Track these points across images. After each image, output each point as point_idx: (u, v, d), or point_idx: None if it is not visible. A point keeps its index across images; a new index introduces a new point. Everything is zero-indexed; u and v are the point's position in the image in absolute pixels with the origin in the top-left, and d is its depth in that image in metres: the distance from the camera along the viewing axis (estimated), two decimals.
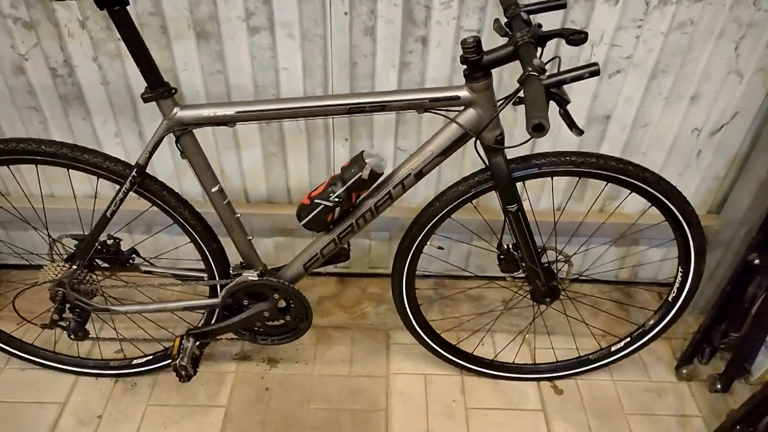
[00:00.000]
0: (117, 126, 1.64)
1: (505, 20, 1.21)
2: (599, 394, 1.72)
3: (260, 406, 1.67)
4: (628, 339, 1.66)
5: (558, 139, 1.65)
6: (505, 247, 1.49)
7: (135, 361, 1.69)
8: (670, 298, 1.55)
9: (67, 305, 1.45)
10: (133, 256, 1.52)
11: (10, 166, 1.42)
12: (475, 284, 2.01)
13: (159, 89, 1.19)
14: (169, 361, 1.62)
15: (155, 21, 1.44)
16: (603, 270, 1.93)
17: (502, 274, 1.52)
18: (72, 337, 1.48)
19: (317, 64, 1.52)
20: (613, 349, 1.68)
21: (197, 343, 1.51)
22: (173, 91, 1.21)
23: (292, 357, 1.81)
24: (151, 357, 1.69)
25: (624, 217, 1.76)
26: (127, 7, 1.11)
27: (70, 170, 1.31)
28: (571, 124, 1.06)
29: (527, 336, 1.86)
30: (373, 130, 1.65)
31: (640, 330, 1.63)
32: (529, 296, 1.52)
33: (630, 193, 1.37)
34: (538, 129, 0.88)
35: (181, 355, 1.45)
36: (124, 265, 1.51)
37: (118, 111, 1.61)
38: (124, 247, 1.48)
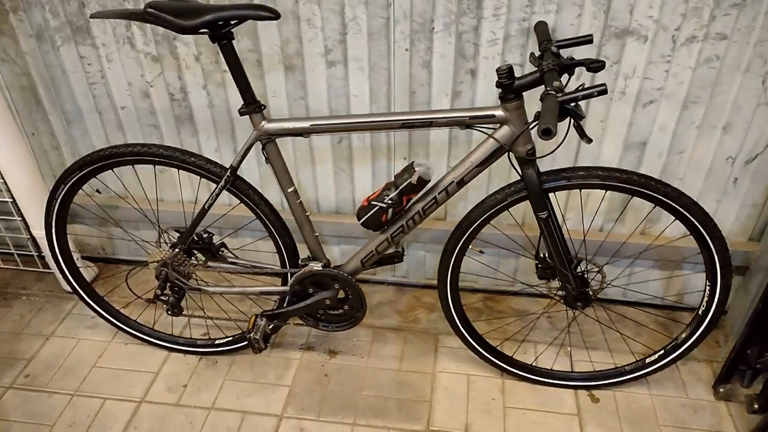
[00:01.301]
0: (217, 142, 1.99)
1: (539, 54, 1.43)
2: (635, 405, 1.80)
3: (319, 388, 1.89)
4: (662, 352, 1.74)
5: (598, 160, 1.81)
6: (542, 255, 1.66)
7: (217, 341, 1.97)
8: (700, 312, 1.64)
9: (168, 284, 1.76)
10: (222, 249, 1.83)
11: (135, 166, 1.77)
12: (518, 295, 2.16)
13: (252, 105, 1.50)
14: (246, 342, 1.90)
15: (253, 56, 1.78)
16: (644, 292, 2.03)
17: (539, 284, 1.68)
18: (169, 311, 1.78)
19: (382, 92, 1.79)
20: (647, 361, 1.77)
21: (269, 323, 1.77)
22: (263, 107, 1.51)
23: (349, 350, 2.03)
24: (231, 338, 1.96)
25: (664, 239, 1.88)
26: (233, 42, 1.43)
27: (180, 170, 1.64)
28: (582, 134, 1.25)
29: (564, 345, 1.97)
30: (429, 150, 1.90)
31: (673, 343, 1.72)
32: (563, 302, 1.67)
33: (654, 207, 1.51)
34: (546, 132, 1.09)
35: (255, 330, 1.71)
36: (214, 255, 1.82)
37: (219, 130, 1.96)
38: (214, 241, 1.79)
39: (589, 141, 1.25)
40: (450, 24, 1.63)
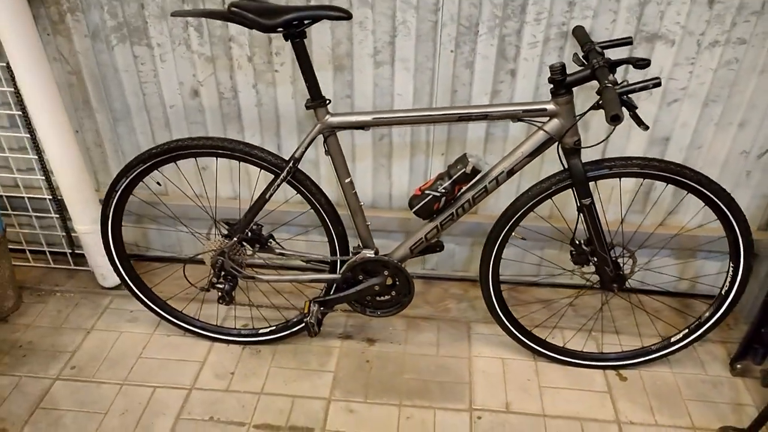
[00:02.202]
0: (262, 139, 2.07)
1: (582, 54, 1.57)
2: (660, 382, 1.94)
3: (362, 373, 1.98)
4: (686, 330, 1.89)
5: (624, 154, 1.95)
6: (577, 242, 1.79)
7: (261, 330, 2.04)
8: (723, 292, 1.79)
9: (222, 272, 1.83)
10: (271, 240, 1.91)
11: (197, 159, 1.85)
12: (540, 285, 2.29)
13: (318, 100, 1.60)
14: (288, 332, 1.98)
15: None
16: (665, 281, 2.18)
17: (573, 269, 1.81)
18: (221, 299, 1.85)
19: (425, 91, 1.91)
20: (672, 339, 1.91)
21: (320, 309, 1.85)
22: (328, 102, 1.62)
23: (386, 338, 2.12)
24: (274, 328, 2.03)
25: (683, 228, 2.03)
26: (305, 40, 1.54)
27: (241, 162, 1.73)
28: (639, 122, 1.39)
29: (593, 328, 2.10)
30: (466, 146, 2.02)
31: (697, 322, 1.87)
32: (598, 286, 1.80)
33: (686, 194, 1.66)
34: (615, 119, 1.23)
35: (310, 315, 1.79)
36: (263, 246, 1.89)
37: (264, 127, 2.04)
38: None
39: (646, 128, 1.39)
40: (494, 27, 1.76)
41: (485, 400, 1.88)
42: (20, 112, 2.01)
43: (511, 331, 1.96)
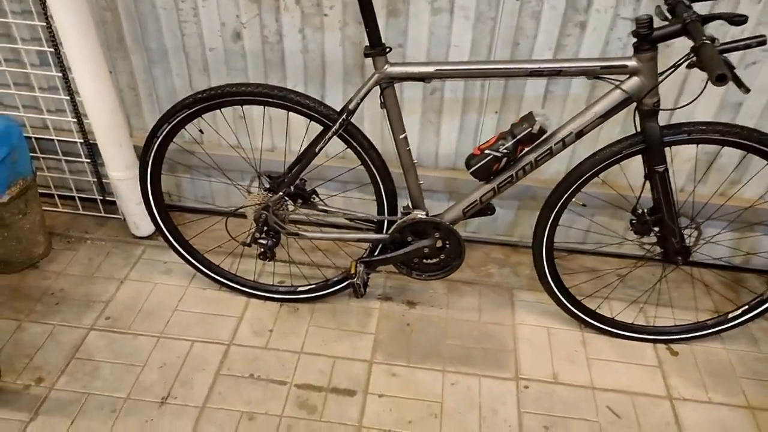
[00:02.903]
0: (305, 89, 1.95)
1: (667, 7, 1.44)
2: (713, 358, 1.88)
3: (403, 336, 1.92)
4: (746, 307, 1.81)
5: (691, 119, 1.83)
6: (640, 211, 1.69)
7: (300, 288, 1.98)
8: None
9: (265, 228, 1.75)
10: (313, 195, 1.82)
11: (243, 106, 1.74)
12: (586, 253, 2.21)
13: (378, 47, 1.48)
14: (329, 290, 1.92)
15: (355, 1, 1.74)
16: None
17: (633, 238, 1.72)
18: (262, 255, 1.78)
19: (484, 43, 1.78)
20: (730, 315, 1.83)
21: (366, 270, 1.78)
22: (388, 50, 1.49)
23: (427, 302, 2.05)
24: (313, 286, 1.97)
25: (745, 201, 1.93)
26: None
27: (290, 112, 1.62)
28: (740, 84, 1.27)
29: (645, 300, 2.03)
30: (522, 105, 1.90)
31: (759, 299, 1.79)
32: (660, 256, 1.71)
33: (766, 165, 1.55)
34: (721, 79, 1.11)
35: (357, 276, 1.72)
36: (306, 201, 1.81)
37: (309, 76, 1.93)
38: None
39: (747, 90, 1.27)
40: None
41: (531, 369, 1.83)
42: (52, 49, 1.90)
43: (560, 299, 1.88)
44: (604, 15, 1.68)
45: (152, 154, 1.72)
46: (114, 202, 2.25)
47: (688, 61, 1.31)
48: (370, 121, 2.00)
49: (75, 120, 2.07)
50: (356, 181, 2.05)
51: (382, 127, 2.01)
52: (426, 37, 1.79)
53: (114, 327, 1.90)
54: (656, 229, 1.69)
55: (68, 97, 2.01)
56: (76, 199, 2.32)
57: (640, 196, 1.67)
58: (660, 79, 1.42)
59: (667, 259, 1.70)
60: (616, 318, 1.94)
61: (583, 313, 1.90)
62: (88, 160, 2.17)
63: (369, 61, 1.75)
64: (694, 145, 1.79)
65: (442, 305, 2.04)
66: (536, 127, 1.50)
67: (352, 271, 1.74)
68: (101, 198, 2.29)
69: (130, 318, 1.93)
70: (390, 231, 1.75)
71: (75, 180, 2.27)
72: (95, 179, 2.23)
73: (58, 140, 2.14)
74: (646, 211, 1.68)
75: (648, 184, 1.62)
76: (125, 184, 2.03)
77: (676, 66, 1.38)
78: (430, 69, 1.49)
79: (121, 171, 2.00)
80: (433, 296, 2.08)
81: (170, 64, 1.96)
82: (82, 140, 2.11)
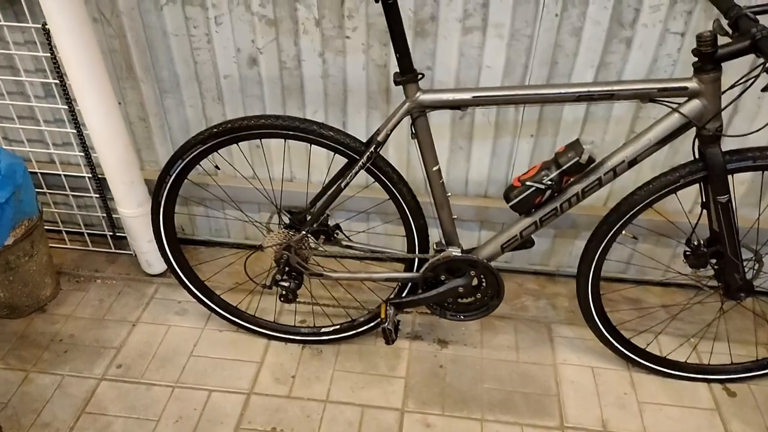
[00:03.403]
0: (326, 116, 1.83)
1: (727, 21, 1.30)
2: None
3: (436, 380, 1.77)
4: None
5: (745, 142, 1.69)
6: (695, 243, 1.54)
7: (323, 329, 1.84)
8: None
9: (287, 268, 1.62)
10: (337, 231, 1.69)
11: (262, 140, 1.62)
12: (626, 282, 2.05)
13: (409, 74, 1.35)
14: (355, 331, 1.78)
15: (381, 21, 1.62)
16: None
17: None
18: (283, 297, 1.65)
19: (519, 62, 1.65)
20: None
21: (396, 312, 1.64)
22: (420, 76, 1.37)
23: (460, 340, 1.91)
24: (338, 327, 1.83)
25: None
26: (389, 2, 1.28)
27: (312, 145, 1.50)
28: None
29: (696, 336, 1.87)
30: (560, 127, 1.76)
31: None
32: (719, 291, 1.56)
33: None
34: None
35: (387, 320, 1.58)
36: (329, 238, 1.68)
37: (329, 102, 1.80)
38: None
39: None
40: None
41: (578, 416, 1.67)
42: (57, 81, 1.79)
43: (606, 337, 1.73)
44: (652, 30, 1.54)
45: (165, 194, 1.60)
46: (125, 237, 2.13)
47: (758, 80, 1.16)
48: (395, 147, 1.87)
49: (83, 154, 1.95)
50: (381, 212, 1.92)
51: (408, 153, 1.88)
52: (456, 59, 1.67)
53: (126, 376, 1.77)
54: (713, 261, 1.54)
55: (75, 130, 1.90)
56: (85, 234, 2.21)
57: (695, 227, 1.53)
58: (728, 103, 1.27)
59: (728, 295, 1.54)
60: (667, 357, 1.78)
61: (631, 352, 1.75)
62: (97, 195, 2.06)
63: (394, 84, 1.63)
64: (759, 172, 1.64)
65: (476, 344, 1.90)
66: (585, 157, 1.36)
67: (382, 315, 1.60)
68: (111, 234, 2.18)
69: (143, 365, 1.80)
70: (422, 270, 1.61)
71: (83, 215, 2.16)
72: (104, 214, 2.12)
73: (65, 175, 2.03)
74: (702, 242, 1.53)
75: (705, 213, 1.48)
76: (137, 221, 1.91)
77: (745, 87, 1.24)
78: (467, 96, 1.36)
79: (133, 208, 1.88)
80: (466, 334, 1.93)
81: (182, 94, 1.85)
82: (90, 174, 2.00)
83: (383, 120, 1.77)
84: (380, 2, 1.27)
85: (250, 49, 1.73)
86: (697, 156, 1.39)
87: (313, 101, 1.81)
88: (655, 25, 1.53)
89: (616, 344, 1.73)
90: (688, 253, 1.57)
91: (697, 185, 1.45)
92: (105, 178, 1.86)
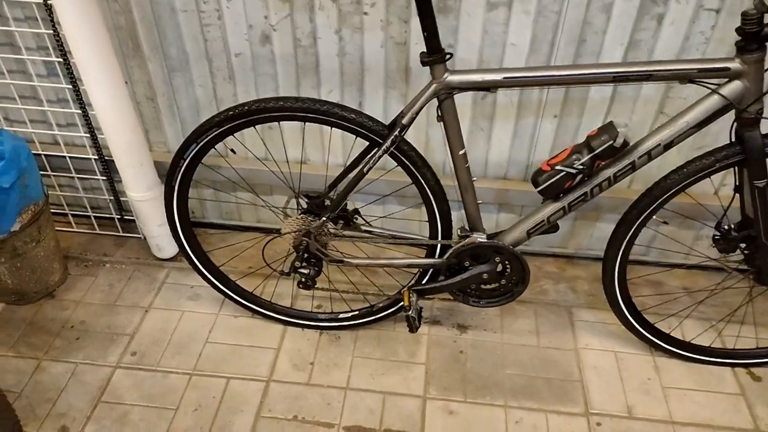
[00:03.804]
0: (341, 96, 1.76)
1: None
2: None
3: (457, 366, 1.75)
4: None
5: None
6: (725, 227, 1.50)
7: (341, 315, 1.81)
8: None
9: (306, 254, 1.58)
10: (356, 216, 1.64)
11: (281, 122, 1.56)
12: (647, 264, 2.02)
13: (437, 54, 1.28)
14: (374, 317, 1.75)
15: None
16: None
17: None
18: (301, 284, 1.61)
19: (546, 39, 1.58)
20: None
21: (419, 298, 1.60)
22: (448, 57, 1.30)
23: (480, 325, 1.88)
24: (356, 312, 1.80)
25: None
26: None
27: (333, 128, 1.43)
28: None
29: (727, 320, 1.85)
30: (585, 107, 1.70)
31: None
32: (748, 276, 1.53)
33: None
34: None
35: (411, 308, 1.55)
36: (348, 223, 1.63)
37: (346, 82, 1.73)
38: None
39: None
40: None
41: (603, 402, 1.65)
42: (60, 59, 1.72)
43: (631, 323, 1.70)
44: (685, 6, 1.47)
45: (179, 177, 1.54)
46: (133, 221, 2.07)
47: None
48: (415, 127, 1.80)
49: (88, 135, 1.89)
50: (402, 196, 1.87)
51: (427, 135, 1.82)
52: (479, 36, 1.60)
53: (141, 364, 1.74)
54: (743, 245, 1.51)
55: (80, 111, 1.83)
56: (92, 218, 2.15)
57: (726, 210, 1.49)
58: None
59: (760, 280, 1.51)
60: (692, 341, 1.76)
61: (655, 337, 1.72)
62: (104, 177, 2.00)
63: (415, 63, 1.57)
64: None
65: (495, 329, 1.87)
66: (619, 140, 1.31)
67: (406, 303, 1.56)
68: (119, 217, 2.12)
69: (158, 353, 1.77)
70: (446, 256, 1.56)
71: (90, 198, 2.10)
72: (112, 197, 2.06)
73: (70, 157, 1.97)
74: (733, 226, 1.49)
75: (737, 197, 1.44)
76: (146, 205, 1.85)
77: None
78: (498, 77, 1.30)
79: (142, 192, 1.82)
80: (485, 319, 1.90)
81: (192, 73, 1.77)
82: (96, 156, 1.94)
83: (401, 100, 1.72)
84: None
85: (262, 25, 1.65)
86: (733, 139, 1.34)
87: (329, 80, 1.74)
88: (689, 1, 1.46)
89: (640, 329, 1.70)
90: (717, 237, 1.53)
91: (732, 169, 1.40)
92: (112, 160, 1.80)
